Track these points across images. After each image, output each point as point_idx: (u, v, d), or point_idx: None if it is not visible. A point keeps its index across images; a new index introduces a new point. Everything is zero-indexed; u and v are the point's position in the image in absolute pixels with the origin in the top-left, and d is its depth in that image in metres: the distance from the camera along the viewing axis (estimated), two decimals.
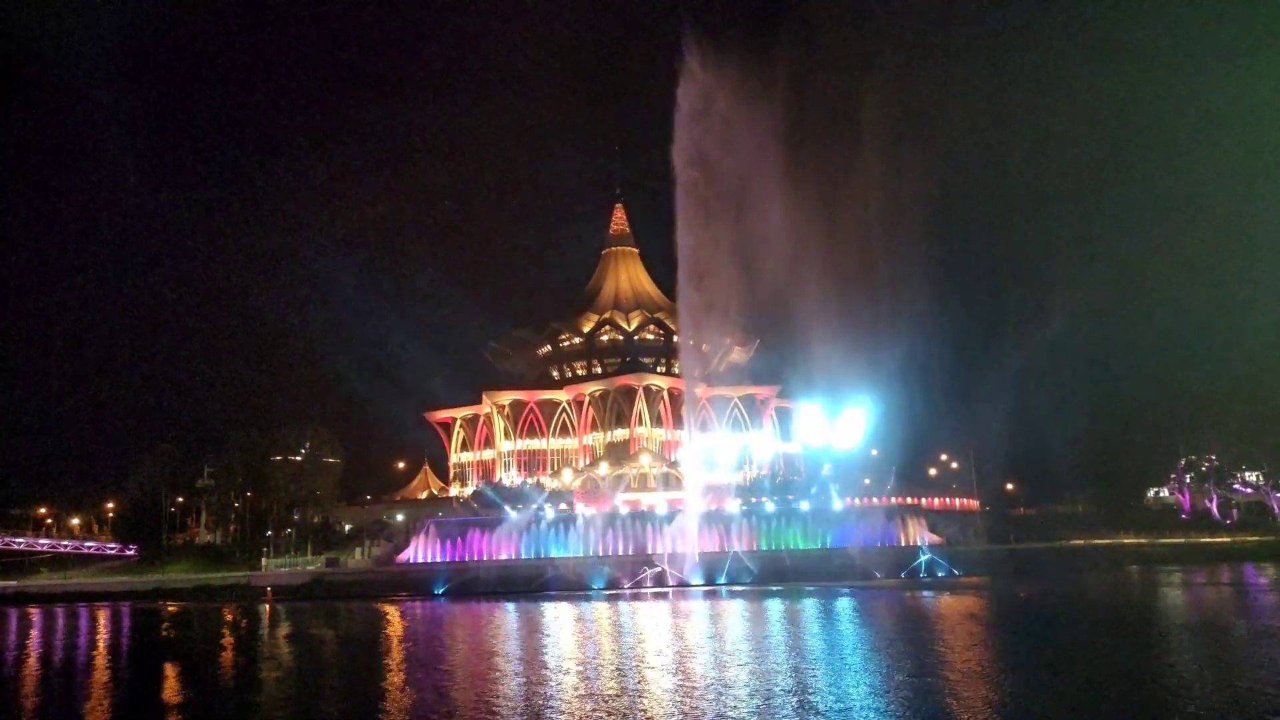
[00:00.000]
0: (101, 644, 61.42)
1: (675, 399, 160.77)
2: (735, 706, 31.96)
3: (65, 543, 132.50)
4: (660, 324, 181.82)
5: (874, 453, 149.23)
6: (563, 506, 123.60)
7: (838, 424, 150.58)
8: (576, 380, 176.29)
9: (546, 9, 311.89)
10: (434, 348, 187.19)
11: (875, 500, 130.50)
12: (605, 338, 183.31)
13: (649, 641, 53.01)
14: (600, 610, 73.14)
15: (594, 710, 32.18)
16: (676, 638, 54.67)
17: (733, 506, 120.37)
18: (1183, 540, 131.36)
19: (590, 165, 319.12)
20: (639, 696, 34.58)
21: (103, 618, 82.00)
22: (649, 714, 31.44)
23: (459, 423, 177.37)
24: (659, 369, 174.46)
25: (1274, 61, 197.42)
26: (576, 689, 37.07)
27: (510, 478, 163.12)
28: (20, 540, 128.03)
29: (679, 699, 33.83)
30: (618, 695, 34.78)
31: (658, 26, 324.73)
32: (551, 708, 33.04)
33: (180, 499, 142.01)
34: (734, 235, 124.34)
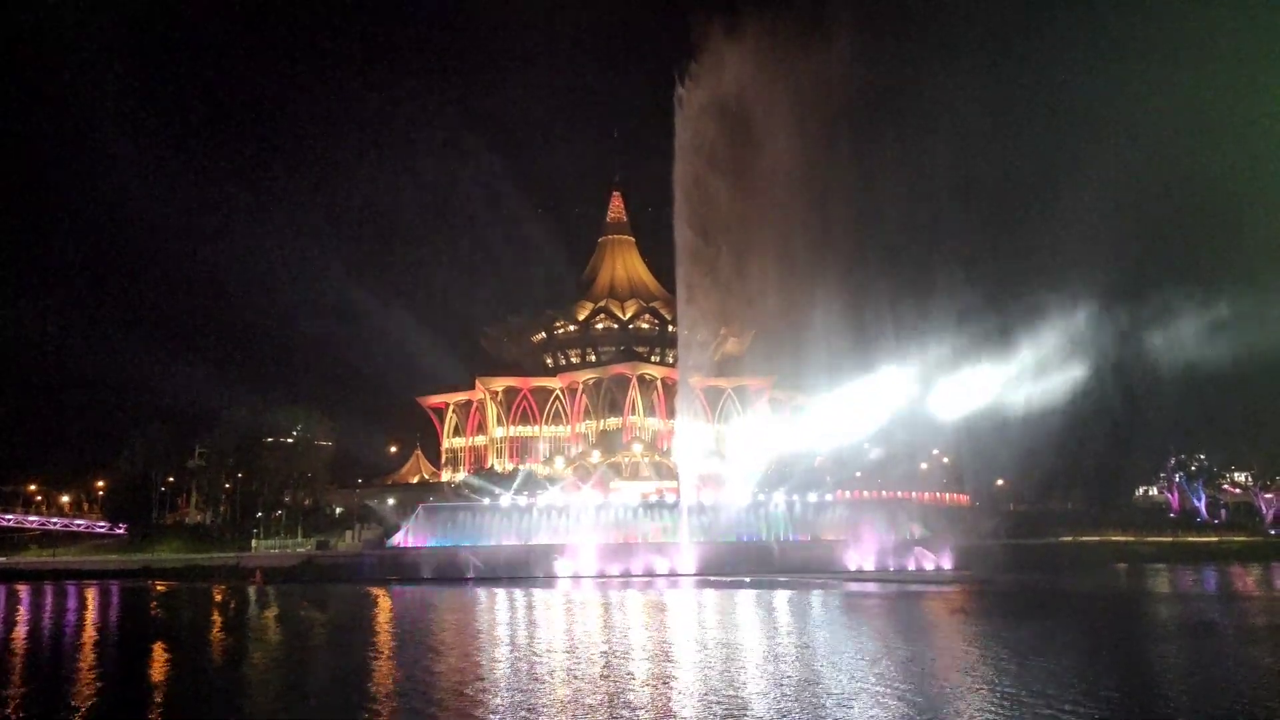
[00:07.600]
0: (89, 621, 61.35)
1: (669, 388, 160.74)
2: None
3: (55, 520, 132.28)
4: (655, 313, 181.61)
5: (866, 446, 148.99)
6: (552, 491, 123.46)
7: (831, 416, 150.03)
8: (570, 368, 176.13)
9: None
10: (428, 332, 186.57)
11: (865, 494, 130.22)
12: (600, 326, 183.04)
13: (643, 630, 53.21)
14: (590, 597, 73.27)
15: (575, 692, 32.30)
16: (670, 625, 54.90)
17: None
18: (1170, 539, 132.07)
19: (588, 152, 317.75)
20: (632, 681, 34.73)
21: (91, 595, 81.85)
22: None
23: (452, 408, 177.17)
24: (653, 358, 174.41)
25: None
26: (566, 669, 37.19)
27: (502, 464, 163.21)
28: (9, 516, 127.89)
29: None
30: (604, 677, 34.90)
31: (660, 11, 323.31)
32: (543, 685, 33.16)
33: (170, 479, 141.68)
34: (732, 225, 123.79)
